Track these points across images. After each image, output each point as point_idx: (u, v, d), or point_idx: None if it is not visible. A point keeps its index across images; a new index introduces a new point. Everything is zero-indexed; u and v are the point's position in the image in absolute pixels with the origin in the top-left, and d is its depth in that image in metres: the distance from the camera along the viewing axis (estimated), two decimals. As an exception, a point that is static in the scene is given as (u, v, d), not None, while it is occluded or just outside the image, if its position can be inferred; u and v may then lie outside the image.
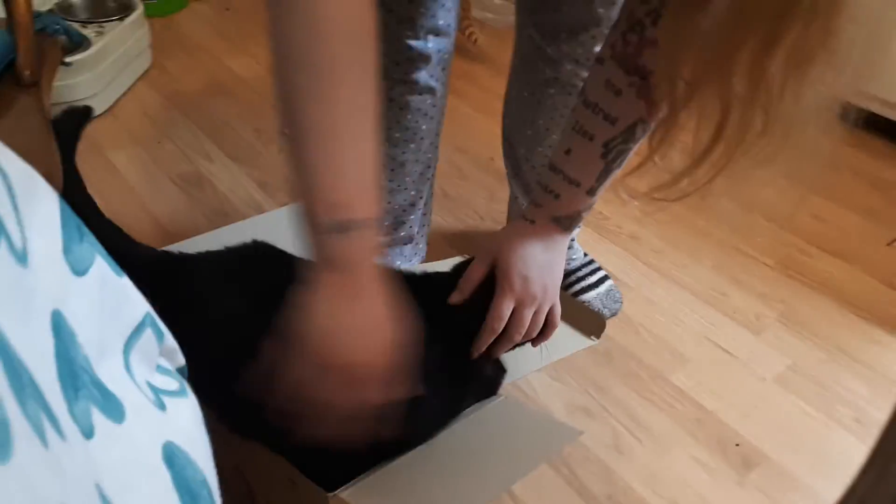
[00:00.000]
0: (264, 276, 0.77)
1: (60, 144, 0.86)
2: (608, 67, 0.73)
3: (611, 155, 0.77)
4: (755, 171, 0.63)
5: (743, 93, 0.56)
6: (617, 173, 0.79)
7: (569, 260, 1.27)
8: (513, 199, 1.27)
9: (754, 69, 0.54)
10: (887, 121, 1.76)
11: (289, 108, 0.60)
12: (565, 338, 0.93)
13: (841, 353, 1.22)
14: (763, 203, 1.55)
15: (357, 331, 0.62)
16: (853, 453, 1.06)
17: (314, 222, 0.60)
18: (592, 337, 0.94)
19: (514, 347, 0.81)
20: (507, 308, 0.77)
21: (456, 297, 0.80)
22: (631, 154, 0.78)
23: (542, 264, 0.79)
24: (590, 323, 0.95)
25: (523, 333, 0.79)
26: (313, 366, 0.62)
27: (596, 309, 1.24)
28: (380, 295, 0.63)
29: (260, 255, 0.81)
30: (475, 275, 0.80)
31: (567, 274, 1.27)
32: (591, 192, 0.80)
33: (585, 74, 0.85)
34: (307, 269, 0.62)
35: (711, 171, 0.62)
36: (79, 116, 0.91)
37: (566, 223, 0.81)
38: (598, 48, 0.82)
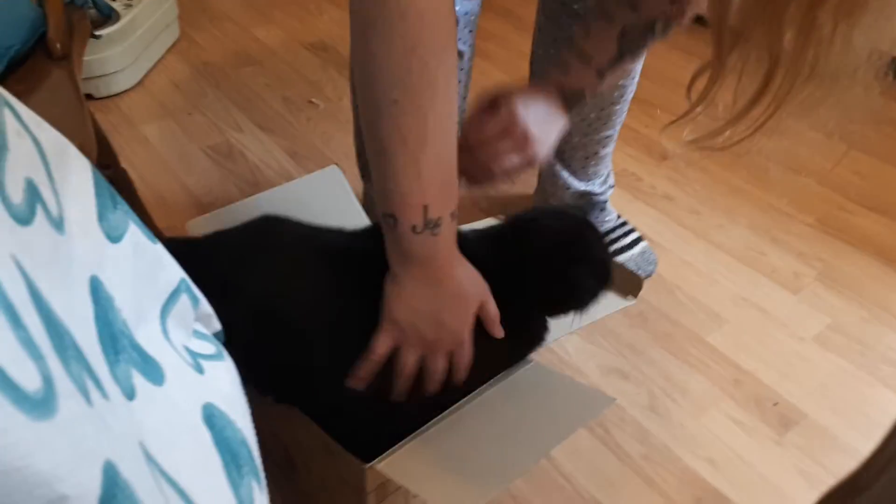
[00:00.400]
0: (283, 252, 0.78)
1: None
2: None
3: (626, 41, 0.77)
4: (797, 122, 0.61)
5: (793, 42, 0.54)
6: (627, 66, 0.81)
7: (601, 222, 1.25)
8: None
9: (805, 17, 0.52)
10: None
11: (378, 123, 0.64)
12: (601, 299, 0.92)
13: (883, 311, 1.20)
14: (801, 159, 1.51)
15: (446, 310, 0.70)
16: (895, 411, 1.04)
17: (406, 226, 0.66)
18: (629, 297, 0.92)
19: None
20: (505, 148, 0.79)
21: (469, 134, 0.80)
22: (644, 52, 0.80)
23: (544, 119, 0.80)
24: (626, 283, 0.93)
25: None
26: (417, 344, 0.71)
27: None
28: (458, 275, 0.70)
29: (273, 231, 0.81)
30: (478, 110, 0.81)
31: None
32: (601, 73, 0.80)
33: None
34: (390, 265, 0.69)
35: (756, 121, 0.61)
36: None
37: (569, 97, 0.82)
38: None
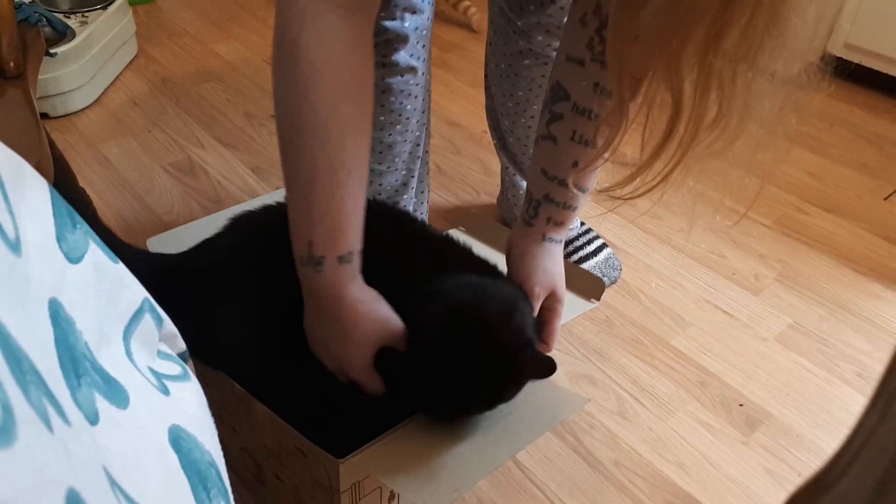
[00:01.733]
0: (259, 248, 0.79)
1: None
2: (592, 70, 0.72)
3: (607, 154, 0.77)
4: (711, 161, 0.63)
5: (693, 85, 0.55)
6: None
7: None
8: (504, 170, 1.27)
9: (703, 62, 0.53)
10: (881, 74, 1.75)
11: (282, 156, 0.67)
12: (566, 303, 0.93)
13: (841, 310, 1.23)
14: (757, 164, 1.54)
15: (332, 343, 0.73)
16: (856, 407, 1.07)
17: (296, 255, 0.69)
18: (592, 299, 0.93)
19: None
20: (559, 325, 0.84)
21: (545, 348, 0.83)
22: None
23: (561, 267, 0.86)
24: (588, 286, 0.95)
25: None
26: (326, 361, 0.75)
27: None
28: (345, 316, 0.71)
29: (246, 230, 0.82)
30: (553, 322, 0.84)
31: (565, 244, 1.27)
32: (584, 187, 0.84)
33: (557, 44, 0.84)
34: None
35: (667, 165, 0.62)
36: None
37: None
38: (565, 19, 0.81)
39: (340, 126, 0.65)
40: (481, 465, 0.71)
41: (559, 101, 0.76)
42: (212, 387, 0.82)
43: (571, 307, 0.92)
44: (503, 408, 0.75)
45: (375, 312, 0.72)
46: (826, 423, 1.05)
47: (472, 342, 0.69)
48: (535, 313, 0.82)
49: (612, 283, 1.26)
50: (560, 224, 0.83)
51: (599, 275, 1.25)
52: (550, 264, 0.83)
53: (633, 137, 0.67)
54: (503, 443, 0.73)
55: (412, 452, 0.71)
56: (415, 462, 0.70)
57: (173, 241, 0.90)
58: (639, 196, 0.64)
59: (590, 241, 1.28)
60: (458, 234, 1.05)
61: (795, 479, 0.97)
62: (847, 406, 1.07)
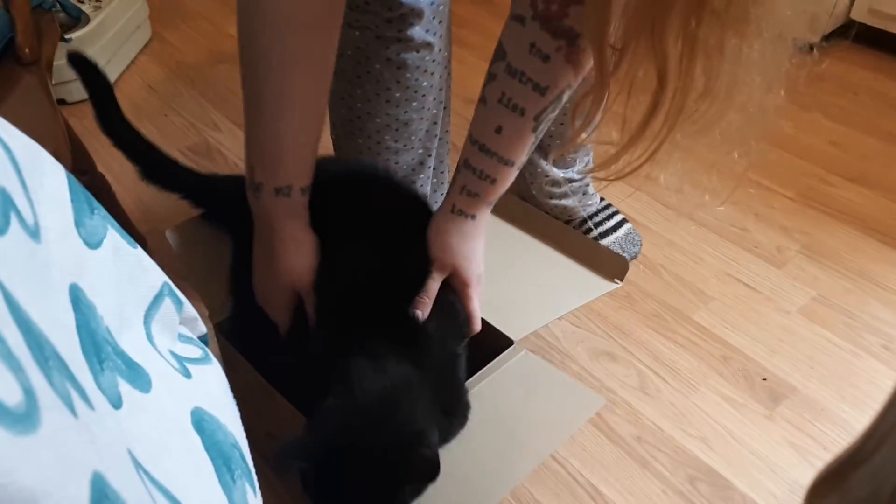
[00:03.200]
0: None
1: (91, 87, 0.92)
2: (531, 29, 0.67)
3: (540, 126, 0.73)
4: (700, 137, 0.60)
5: (678, 55, 0.52)
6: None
7: (585, 206, 1.25)
8: None
9: (687, 29, 0.51)
10: (906, 41, 1.71)
11: (242, 83, 0.70)
12: (588, 282, 0.92)
13: (866, 281, 1.21)
14: (781, 134, 1.52)
15: (259, 268, 0.77)
16: (882, 380, 1.05)
17: (246, 179, 0.73)
18: (616, 280, 0.92)
19: None
20: (477, 308, 0.80)
21: (420, 315, 0.78)
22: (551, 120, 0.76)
23: (478, 247, 0.81)
24: (611, 266, 0.93)
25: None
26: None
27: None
28: (275, 246, 0.74)
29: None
30: (434, 289, 0.78)
31: (584, 220, 1.26)
32: (520, 167, 0.77)
33: None
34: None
35: (653, 142, 0.58)
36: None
37: (495, 203, 0.80)
38: None
39: (284, 58, 0.66)
40: (504, 479, 0.71)
41: (497, 61, 0.72)
42: (238, 372, 0.82)
43: (594, 287, 0.91)
44: (522, 409, 0.75)
45: (301, 257, 0.74)
46: (852, 396, 1.03)
47: (352, 455, 0.66)
48: (429, 293, 0.78)
49: (632, 259, 1.25)
50: (474, 196, 0.77)
51: (619, 250, 1.23)
52: (454, 241, 0.77)
53: (608, 118, 0.64)
54: (526, 452, 0.73)
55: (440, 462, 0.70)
56: (442, 476, 0.68)
57: (191, 231, 0.90)
58: (625, 176, 0.61)
59: (610, 217, 1.26)
60: None
61: (820, 453, 0.97)
62: (873, 379, 1.06)
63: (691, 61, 0.52)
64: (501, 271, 0.92)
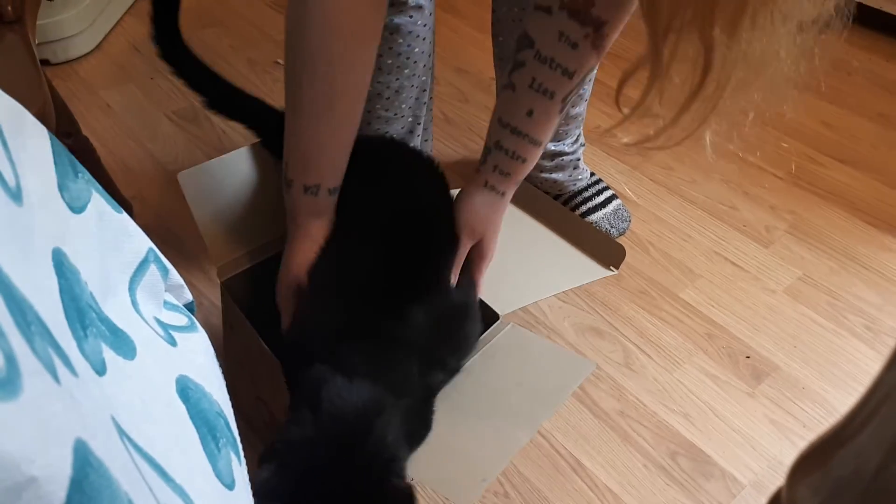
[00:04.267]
0: None
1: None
2: (558, 19, 0.70)
3: (566, 107, 0.77)
4: (734, 103, 0.61)
5: (725, 33, 0.54)
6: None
7: (574, 180, 1.25)
8: None
9: (736, 10, 0.52)
10: (901, 22, 1.70)
11: (285, 81, 0.73)
12: (582, 267, 0.91)
13: (852, 262, 1.22)
14: (772, 113, 1.51)
15: (283, 262, 0.78)
16: (864, 360, 1.07)
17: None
18: (611, 267, 0.91)
19: None
20: (482, 282, 0.82)
21: (452, 279, 0.80)
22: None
23: (500, 224, 0.83)
24: (608, 252, 0.92)
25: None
26: None
27: (603, 229, 1.23)
28: (293, 241, 0.76)
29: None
30: (463, 255, 0.81)
31: (573, 195, 1.25)
32: (545, 146, 0.81)
33: None
34: None
35: (700, 114, 0.60)
36: None
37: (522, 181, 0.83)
38: None
39: (329, 64, 0.69)
40: (504, 448, 0.70)
41: (524, 50, 0.75)
42: (239, 335, 0.82)
43: (588, 272, 0.90)
44: (514, 379, 0.75)
45: (308, 254, 0.76)
46: (833, 375, 1.05)
47: (321, 490, 0.62)
48: (460, 259, 0.80)
49: (619, 235, 1.25)
50: (506, 175, 0.80)
51: (608, 226, 1.23)
52: (485, 211, 0.81)
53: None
54: (522, 421, 0.72)
55: (435, 437, 0.70)
56: (437, 447, 0.68)
57: (205, 176, 0.87)
58: (674, 145, 0.63)
59: (599, 192, 1.26)
60: None
61: (800, 431, 0.98)
62: (854, 359, 1.07)
63: (735, 39, 0.54)
64: (497, 248, 0.92)
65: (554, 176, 1.23)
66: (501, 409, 0.73)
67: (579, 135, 1.23)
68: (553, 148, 1.20)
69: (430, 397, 0.73)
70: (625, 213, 1.26)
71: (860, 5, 1.73)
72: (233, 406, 0.55)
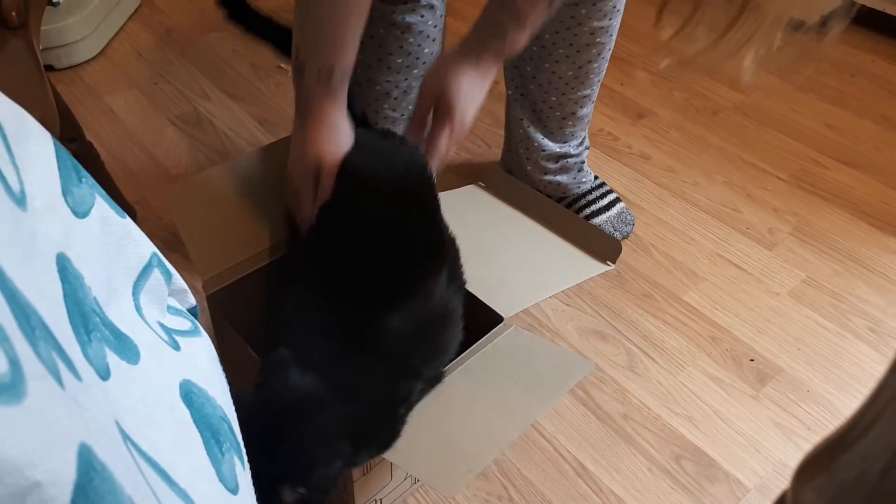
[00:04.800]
0: None
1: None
2: None
3: (554, 3, 0.79)
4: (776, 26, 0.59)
5: None
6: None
7: (578, 183, 1.25)
8: (517, 122, 1.24)
9: None
10: (904, 24, 1.70)
11: None
12: (580, 264, 0.91)
13: (855, 264, 1.21)
14: (776, 115, 1.51)
15: (294, 149, 0.79)
16: (868, 363, 1.06)
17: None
18: (608, 262, 0.92)
19: None
20: (445, 144, 0.82)
21: (411, 135, 0.84)
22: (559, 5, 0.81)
23: (476, 100, 0.84)
24: (604, 247, 0.93)
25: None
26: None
27: (607, 232, 1.23)
28: (309, 125, 0.77)
29: None
30: (423, 112, 0.83)
31: (577, 198, 1.25)
32: (531, 35, 0.82)
33: None
34: None
35: (743, 35, 0.59)
36: None
37: (502, 61, 0.84)
38: None
39: None
40: (494, 441, 0.70)
41: None
42: (230, 346, 0.82)
43: (585, 268, 0.90)
44: (511, 377, 0.74)
45: (330, 137, 0.77)
46: (837, 378, 1.04)
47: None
48: (422, 122, 0.82)
49: (624, 238, 1.24)
50: (481, 43, 0.82)
51: (611, 230, 1.23)
52: (447, 71, 0.81)
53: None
54: (515, 416, 0.72)
55: (423, 429, 0.70)
56: (428, 440, 0.69)
57: (194, 190, 0.88)
58: (704, 70, 0.62)
59: (603, 196, 1.26)
60: (475, 191, 1.03)
61: (805, 434, 0.98)
62: (858, 361, 1.07)
63: None
64: (493, 249, 0.92)
65: (558, 178, 1.23)
66: (495, 405, 0.73)
67: (584, 137, 1.23)
68: (558, 150, 1.20)
69: (399, 405, 0.71)
70: (628, 217, 1.26)
71: (864, 7, 1.73)
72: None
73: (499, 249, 0.91)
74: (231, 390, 0.58)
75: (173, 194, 0.85)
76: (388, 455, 0.68)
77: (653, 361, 1.06)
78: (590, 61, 1.11)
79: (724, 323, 1.12)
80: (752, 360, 1.06)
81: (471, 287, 0.84)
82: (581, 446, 0.95)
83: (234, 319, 0.81)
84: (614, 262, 0.91)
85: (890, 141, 1.47)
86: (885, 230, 1.28)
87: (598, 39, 1.08)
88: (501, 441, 0.72)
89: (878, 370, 1.08)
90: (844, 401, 1.02)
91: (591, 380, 1.03)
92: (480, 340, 0.79)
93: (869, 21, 1.76)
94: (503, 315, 0.83)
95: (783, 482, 0.93)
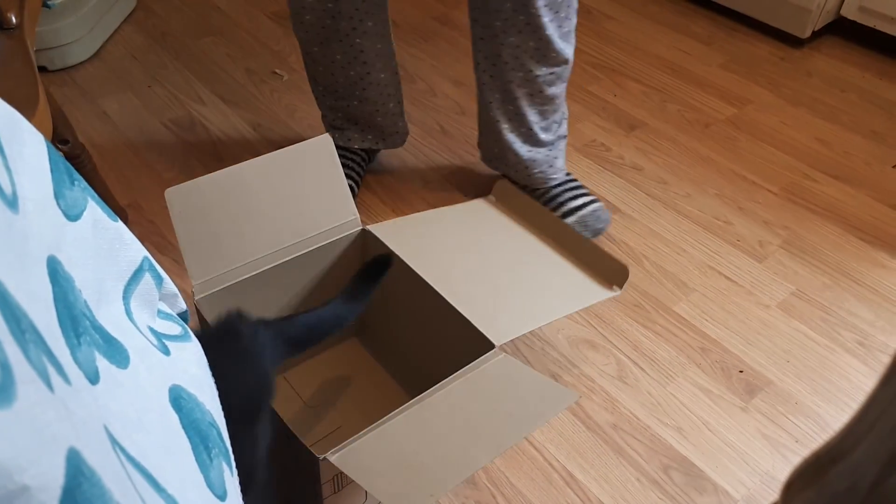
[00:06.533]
0: None
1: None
2: None
3: None
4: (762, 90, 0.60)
5: None
6: None
7: (549, 178, 1.24)
8: (484, 107, 1.23)
9: None
10: (894, 39, 1.72)
11: None
12: (584, 288, 0.88)
13: (845, 278, 1.22)
14: (767, 129, 1.52)
15: None
16: (856, 376, 1.07)
17: None
18: (614, 287, 0.89)
19: None
20: None
21: None
22: None
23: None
24: (610, 270, 0.90)
25: None
26: None
27: (577, 231, 1.21)
28: None
29: None
30: None
31: (547, 190, 1.25)
32: None
33: None
34: None
35: None
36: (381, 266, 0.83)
37: None
38: None
39: None
40: (460, 467, 0.68)
41: None
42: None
43: (589, 294, 0.87)
44: (489, 404, 0.73)
45: None
46: (825, 390, 1.05)
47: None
48: None
49: (594, 236, 1.24)
50: None
51: (581, 228, 1.22)
52: None
53: None
54: (486, 443, 0.70)
55: (395, 450, 0.69)
56: (396, 461, 0.68)
57: (194, 194, 0.86)
58: None
59: (575, 197, 1.24)
60: (483, 205, 1.02)
61: (793, 446, 0.98)
62: (847, 374, 1.07)
63: None
64: (495, 269, 0.90)
65: (532, 170, 1.23)
66: (468, 431, 0.71)
67: (560, 123, 1.22)
68: (533, 130, 1.20)
69: None
70: (603, 215, 1.24)
71: (854, 23, 1.75)
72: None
73: (500, 270, 0.89)
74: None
75: (170, 196, 0.84)
76: (354, 474, 0.67)
77: (643, 372, 1.06)
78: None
79: (713, 334, 1.12)
80: (741, 371, 1.07)
81: (468, 308, 0.83)
82: (570, 455, 0.95)
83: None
84: (621, 287, 0.88)
85: (879, 156, 1.48)
86: (874, 244, 1.29)
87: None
88: (468, 468, 0.70)
89: (867, 383, 1.09)
90: (833, 413, 1.02)
91: (581, 389, 1.03)
92: (468, 366, 0.78)
93: (859, 37, 1.78)
94: (494, 342, 0.81)
95: (771, 494, 0.93)
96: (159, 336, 0.50)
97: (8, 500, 0.26)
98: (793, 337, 1.12)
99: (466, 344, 0.81)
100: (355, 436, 0.70)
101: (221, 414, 0.51)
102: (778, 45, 1.79)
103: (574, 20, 1.12)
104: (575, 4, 1.10)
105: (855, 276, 1.23)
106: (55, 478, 0.28)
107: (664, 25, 1.82)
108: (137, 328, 0.48)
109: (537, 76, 1.13)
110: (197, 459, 0.45)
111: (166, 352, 0.50)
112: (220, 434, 0.49)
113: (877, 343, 1.11)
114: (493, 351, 0.80)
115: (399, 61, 1.27)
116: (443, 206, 1.30)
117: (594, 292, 0.88)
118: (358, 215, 0.92)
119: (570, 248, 0.93)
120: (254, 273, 0.86)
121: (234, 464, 0.50)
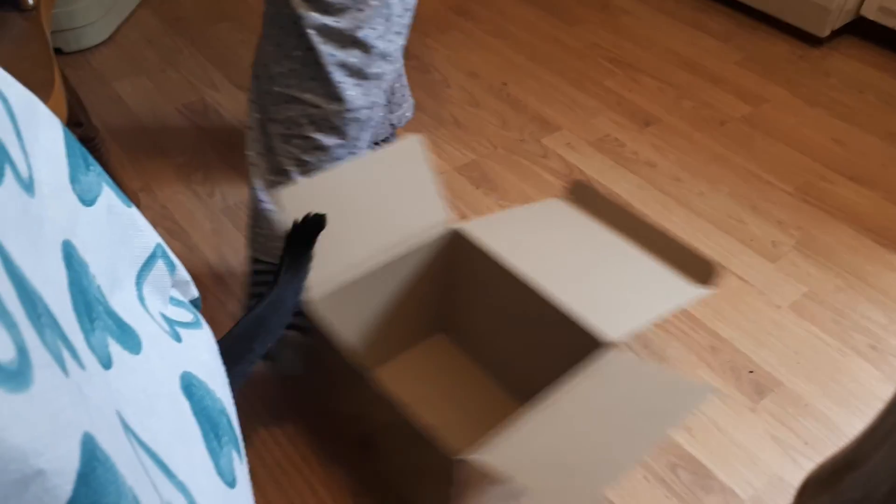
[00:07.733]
0: None
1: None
2: None
3: None
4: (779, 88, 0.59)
5: None
6: None
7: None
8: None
9: None
10: (914, 41, 1.70)
11: None
12: (677, 287, 0.84)
13: (858, 280, 1.21)
14: (783, 128, 1.51)
15: None
16: (867, 380, 1.06)
17: None
18: (708, 285, 0.85)
19: None
20: None
21: None
22: None
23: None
24: (696, 268, 0.86)
25: None
26: None
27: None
28: None
29: None
30: None
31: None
32: None
33: None
34: None
35: None
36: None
37: None
38: None
39: None
40: (611, 466, 0.67)
41: None
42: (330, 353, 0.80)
43: (683, 292, 0.83)
44: (624, 398, 0.71)
45: None
46: (836, 393, 1.04)
47: None
48: None
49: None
50: None
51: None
52: None
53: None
54: (630, 442, 0.67)
55: (536, 449, 0.67)
56: (542, 460, 0.66)
57: (304, 194, 0.85)
58: None
59: None
60: (559, 204, 0.99)
61: (801, 448, 0.97)
62: (858, 378, 1.06)
63: None
64: (587, 268, 0.89)
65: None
66: (609, 430, 0.68)
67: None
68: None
69: None
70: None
71: (873, 23, 1.73)
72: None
73: (594, 268, 0.87)
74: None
75: (285, 195, 0.81)
76: (519, 475, 0.65)
77: (652, 370, 1.06)
78: None
79: (724, 334, 1.11)
80: (751, 371, 1.06)
81: (572, 306, 0.81)
82: (577, 452, 0.95)
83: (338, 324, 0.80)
84: (712, 284, 0.85)
85: (897, 158, 1.47)
86: (888, 247, 1.27)
87: None
88: (618, 467, 0.67)
89: (878, 387, 1.08)
90: (843, 417, 1.01)
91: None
92: (588, 362, 0.75)
93: (879, 37, 1.76)
94: (608, 338, 0.79)
95: (778, 495, 0.93)
96: (171, 323, 0.51)
97: (24, 483, 0.26)
98: (804, 338, 1.12)
99: (569, 340, 0.80)
100: (493, 437, 0.67)
101: (232, 402, 0.51)
102: (796, 43, 1.77)
103: None
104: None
105: (869, 278, 1.22)
106: (70, 462, 0.28)
107: (681, 21, 1.81)
108: (150, 314, 0.48)
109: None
110: (207, 446, 0.45)
111: (178, 339, 0.50)
112: (230, 422, 0.49)
113: (889, 347, 1.11)
114: (608, 347, 0.78)
115: (414, 52, 1.27)
116: (454, 197, 1.30)
117: (689, 290, 0.86)
118: (448, 215, 0.92)
119: (653, 245, 0.91)
120: (357, 277, 0.85)
121: (243, 451, 0.50)
